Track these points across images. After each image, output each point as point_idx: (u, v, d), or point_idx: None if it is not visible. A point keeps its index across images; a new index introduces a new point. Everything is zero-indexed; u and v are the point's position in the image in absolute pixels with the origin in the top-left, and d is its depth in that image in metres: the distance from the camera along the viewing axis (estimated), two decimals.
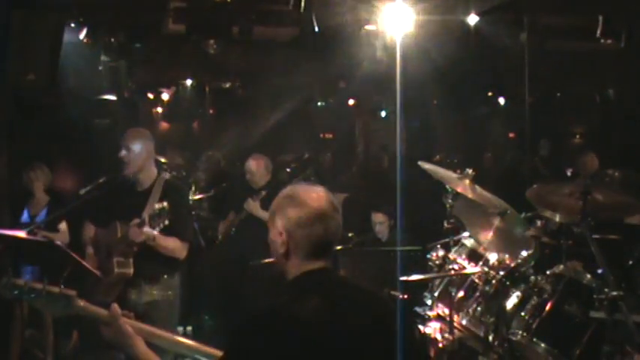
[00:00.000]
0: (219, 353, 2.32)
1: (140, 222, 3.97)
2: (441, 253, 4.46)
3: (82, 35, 7.09)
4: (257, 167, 6.23)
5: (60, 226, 5.83)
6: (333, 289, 2.29)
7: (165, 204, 3.96)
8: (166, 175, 4.38)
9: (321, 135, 14.50)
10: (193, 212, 6.24)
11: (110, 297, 4.18)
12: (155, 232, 4.01)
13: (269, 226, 2.37)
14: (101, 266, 4.21)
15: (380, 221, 5.81)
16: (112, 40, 7.66)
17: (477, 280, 4.15)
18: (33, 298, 2.45)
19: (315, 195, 2.33)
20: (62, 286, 2.45)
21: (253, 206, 6.05)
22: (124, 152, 4.28)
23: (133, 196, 4.31)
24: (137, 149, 4.27)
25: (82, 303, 2.45)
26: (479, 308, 4.09)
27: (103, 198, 4.49)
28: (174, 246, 4.20)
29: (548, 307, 3.78)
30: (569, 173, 8.41)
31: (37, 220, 5.90)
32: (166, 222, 3.95)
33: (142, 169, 4.32)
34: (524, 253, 4.18)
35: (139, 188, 4.34)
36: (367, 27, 7.38)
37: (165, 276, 4.30)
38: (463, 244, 4.43)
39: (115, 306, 2.44)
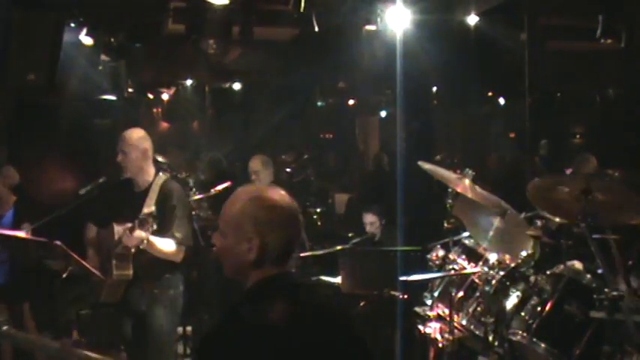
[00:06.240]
0: None
1: (131, 227, 3.98)
2: (441, 253, 4.45)
3: (82, 35, 7.09)
4: (262, 167, 6.22)
5: (23, 227, 5.42)
6: (297, 293, 2.15)
7: (153, 208, 3.99)
8: (165, 175, 4.37)
9: (321, 135, 14.50)
10: (194, 212, 6.22)
11: (115, 297, 4.21)
12: (147, 235, 4.01)
13: (226, 233, 2.14)
14: (103, 267, 4.21)
15: (370, 221, 5.85)
16: (112, 40, 7.65)
17: (476, 280, 4.15)
18: None
19: (281, 195, 2.17)
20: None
21: None
22: (120, 157, 4.29)
23: (131, 197, 4.31)
24: (133, 153, 4.27)
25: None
26: (479, 308, 4.09)
27: (103, 199, 4.50)
28: (169, 249, 4.17)
29: (548, 307, 3.77)
30: (568, 173, 8.39)
31: (4, 220, 5.82)
32: (154, 227, 3.96)
33: (139, 170, 4.32)
34: (524, 253, 4.18)
35: (137, 189, 4.35)
36: (367, 27, 7.37)
37: (167, 275, 4.29)
38: (463, 244, 4.43)
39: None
